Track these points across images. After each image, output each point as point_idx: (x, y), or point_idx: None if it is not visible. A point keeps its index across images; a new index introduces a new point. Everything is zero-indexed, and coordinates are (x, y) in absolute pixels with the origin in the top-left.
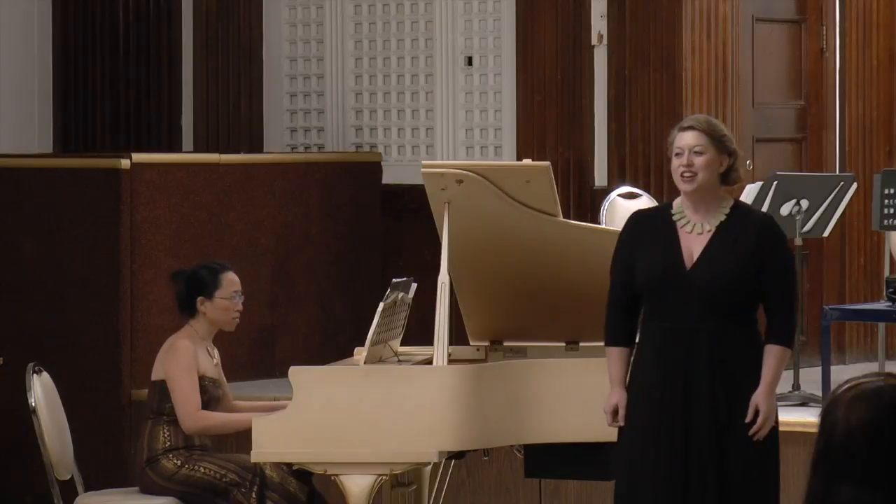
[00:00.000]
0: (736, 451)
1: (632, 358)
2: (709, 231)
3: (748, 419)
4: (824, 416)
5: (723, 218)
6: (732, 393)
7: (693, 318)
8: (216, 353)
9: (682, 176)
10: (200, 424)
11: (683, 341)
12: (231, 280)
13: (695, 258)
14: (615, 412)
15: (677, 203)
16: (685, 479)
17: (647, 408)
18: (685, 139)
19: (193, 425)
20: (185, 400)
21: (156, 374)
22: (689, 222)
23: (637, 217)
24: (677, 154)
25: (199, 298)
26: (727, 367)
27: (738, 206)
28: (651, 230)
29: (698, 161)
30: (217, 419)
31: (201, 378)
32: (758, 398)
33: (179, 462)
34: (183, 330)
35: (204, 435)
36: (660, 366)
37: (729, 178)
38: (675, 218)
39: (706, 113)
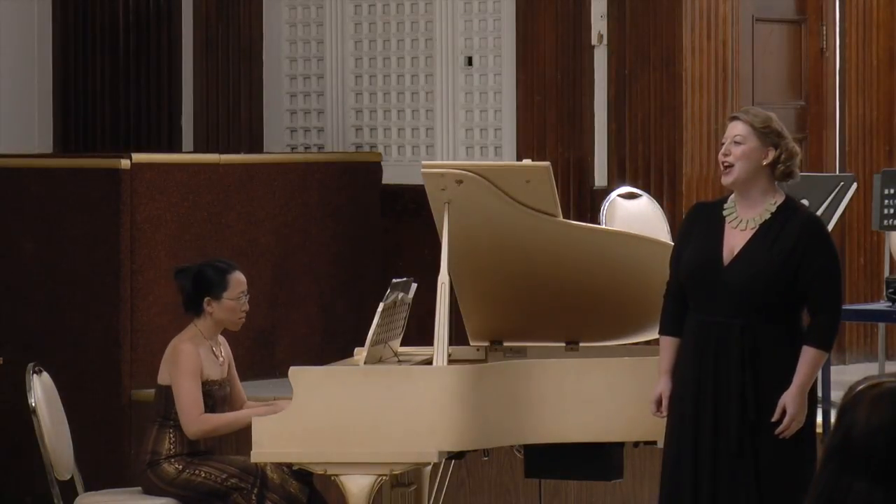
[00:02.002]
0: (767, 450)
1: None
2: (752, 228)
3: (774, 418)
4: (842, 412)
5: (768, 216)
6: (763, 390)
7: (726, 314)
8: (223, 349)
9: (721, 166)
10: (203, 428)
11: (716, 336)
12: (238, 280)
13: (734, 254)
14: (659, 402)
15: (732, 197)
16: (715, 477)
17: (681, 401)
18: (729, 129)
19: (196, 429)
20: (188, 407)
21: (162, 379)
22: (736, 217)
23: (694, 209)
24: (722, 144)
25: (207, 299)
26: (759, 364)
27: (787, 204)
28: (703, 223)
29: (735, 150)
30: (218, 420)
31: (205, 383)
32: (786, 398)
33: (181, 467)
34: (187, 331)
35: (208, 438)
36: (695, 359)
37: (776, 172)
38: (725, 213)
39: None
